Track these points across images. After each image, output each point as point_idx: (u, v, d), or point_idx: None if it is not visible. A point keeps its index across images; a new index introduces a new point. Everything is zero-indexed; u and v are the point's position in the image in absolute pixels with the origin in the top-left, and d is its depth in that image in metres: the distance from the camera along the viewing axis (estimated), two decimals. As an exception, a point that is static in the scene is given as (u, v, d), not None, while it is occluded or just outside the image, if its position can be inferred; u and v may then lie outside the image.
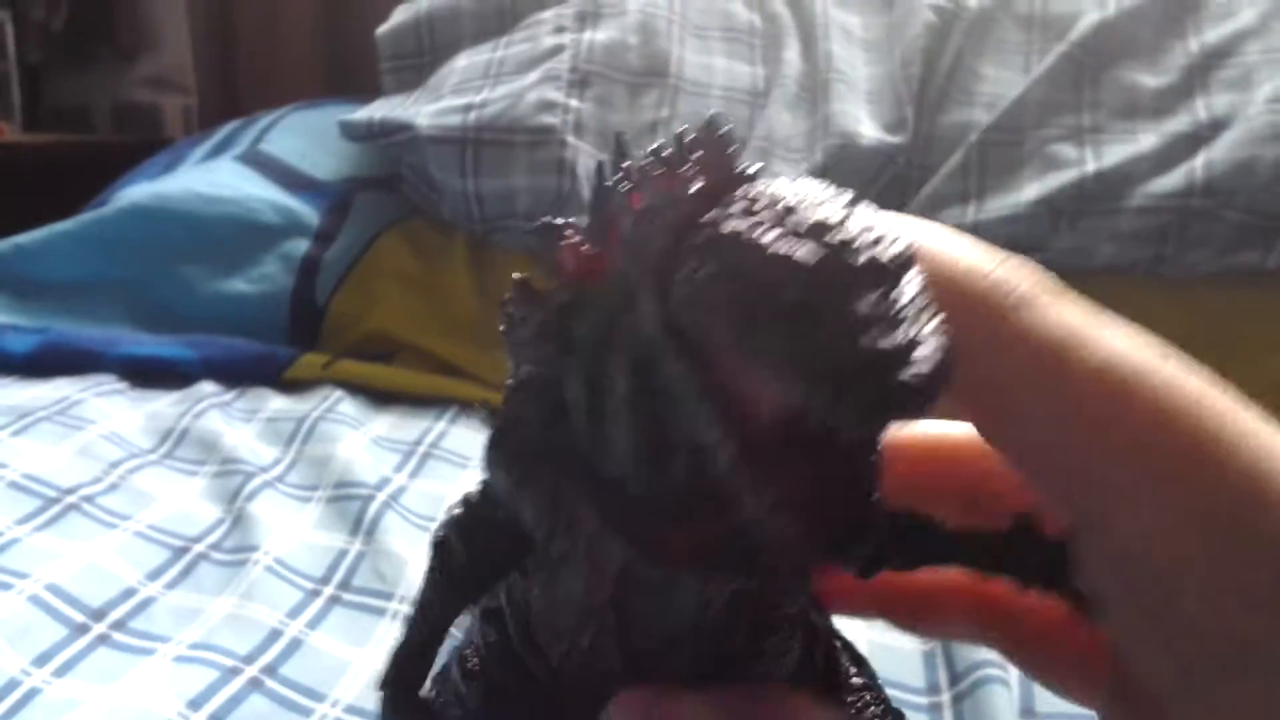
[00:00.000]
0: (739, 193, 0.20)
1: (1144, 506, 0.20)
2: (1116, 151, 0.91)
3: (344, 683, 0.53)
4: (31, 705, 0.48)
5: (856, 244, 0.19)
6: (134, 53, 1.79)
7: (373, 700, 0.52)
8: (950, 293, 0.20)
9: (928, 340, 0.18)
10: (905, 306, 0.18)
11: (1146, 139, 0.91)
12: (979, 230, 0.90)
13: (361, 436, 0.80)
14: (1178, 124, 0.91)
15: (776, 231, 0.19)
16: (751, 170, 0.21)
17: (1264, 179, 0.85)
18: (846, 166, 0.95)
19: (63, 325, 0.97)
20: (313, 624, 0.57)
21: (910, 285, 0.18)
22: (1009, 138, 0.94)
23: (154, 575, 0.61)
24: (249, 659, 0.53)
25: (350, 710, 0.51)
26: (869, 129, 0.97)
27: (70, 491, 0.67)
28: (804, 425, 0.19)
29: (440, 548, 0.27)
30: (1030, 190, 0.91)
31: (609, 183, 0.23)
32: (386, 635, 0.57)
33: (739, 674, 0.25)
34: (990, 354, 0.21)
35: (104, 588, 0.58)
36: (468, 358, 0.96)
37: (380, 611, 0.60)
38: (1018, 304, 0.21)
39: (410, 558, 0.64)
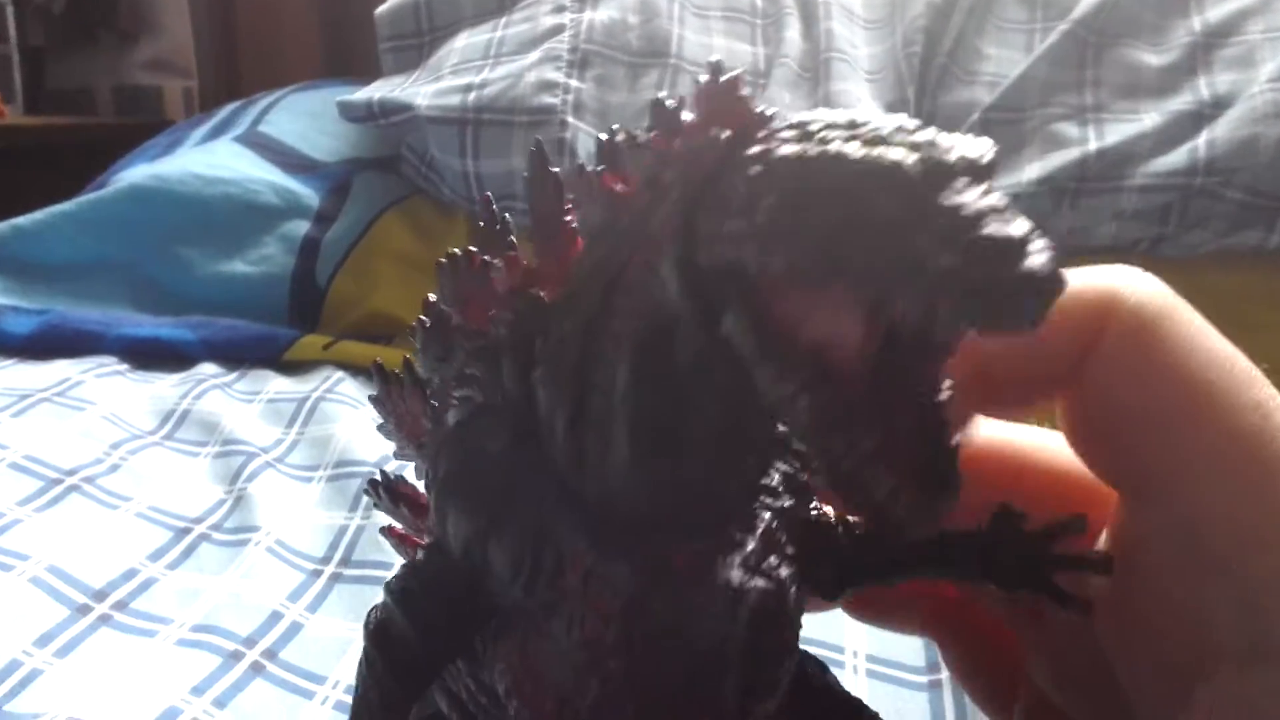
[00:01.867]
0: (770, 129, 0.18)
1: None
2: (1119, 130, 0.91)
3: (344, 662, 0.53)
4: (33, 686, 0.48)
5: (942, 144, 0.16)
6: (135, 35, 1.79)
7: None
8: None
9: (1036, 234, 0.15)
10: (1008, 205, 0.16)
11: (1149, 118, 0.91)
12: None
13: (362, 416, 0.80)
14: (1180, 102, 0.91)
15: (849, 142, 0.16)
16: (770, 112, 0.19)
17: (1266, 158, 0.85)
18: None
19: (63, 306, 0.98)
20: (313, 606, 0.58)
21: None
22: (1011, 117, 0.94)
23: (155, 556, 0.61)
24: (250, 641, 0.53)
25: (351, 690, 0.51)
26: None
27: (71, 472, 0.67)
28: (894, 359, 0.17)
29: (379, 633, 0.23)
30: (1032, 169, 0.91)
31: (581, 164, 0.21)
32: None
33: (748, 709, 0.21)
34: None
35: (105, 568, 0.59)
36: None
37: (379, 581, 0.60)
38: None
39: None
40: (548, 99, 1.01)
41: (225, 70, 1.72)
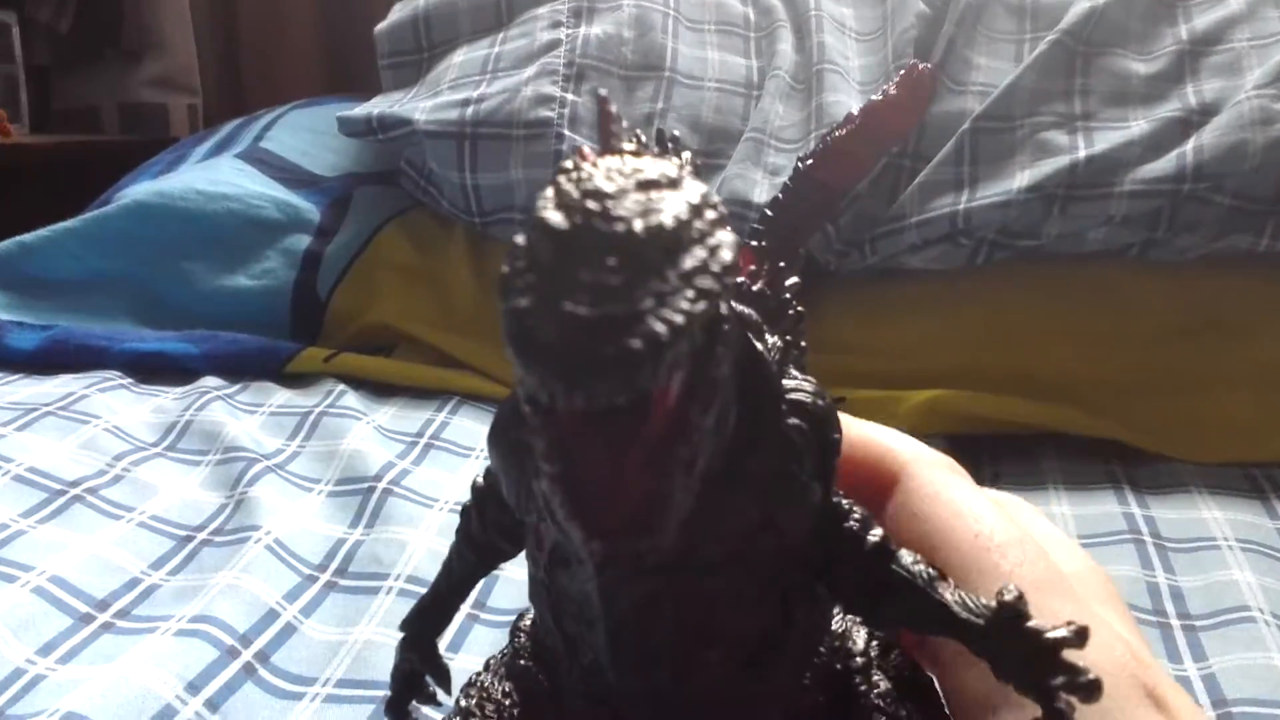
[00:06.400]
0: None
1: None
2: (1107, 138, 0.92)
3: (335, 663, 0.54)
4: (35, 691, 0.49)
5: (620, 211, 0.17)
6: (140, 54, 1.81)
7: (363, 672, 0.53)
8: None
9: (656, 314, 0.16)
10: (649, 282, 0.16)
11: (1137, 125, 0.92)
12: (971, 218, 0.91)
13: (366, 428, 0.81)
14: (1168, 109, 0.92)
15: (563, 201, 0.17)
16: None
17: (1254, 163, 0.86)
18: (840, 156, 0.96)
19: (67, 322, 0.99)
20: (308, 610, 0.58)
21: (691, 259, 0.17)
22: (1001, 125, 0.95)
23: (157, 565, 0.62)
24: (245, 640, 0.54)
25: (341, 684, 0.52)
26: (862, 119, 0.98)
27: (74, 484, 0.68)
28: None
29: (463, 513, 0.29)
30: (1022, 177, 0.92)
31: None
32: (380, 611, 0.58)
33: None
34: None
35: (108, 578, 0.60)
36: (467, 349, 0.97)
37: (375, 591, 0.61)
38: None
39: (409, 540, 0.65)
40: (544, 112, 1.02)
41: (229, 87, 1.74)
